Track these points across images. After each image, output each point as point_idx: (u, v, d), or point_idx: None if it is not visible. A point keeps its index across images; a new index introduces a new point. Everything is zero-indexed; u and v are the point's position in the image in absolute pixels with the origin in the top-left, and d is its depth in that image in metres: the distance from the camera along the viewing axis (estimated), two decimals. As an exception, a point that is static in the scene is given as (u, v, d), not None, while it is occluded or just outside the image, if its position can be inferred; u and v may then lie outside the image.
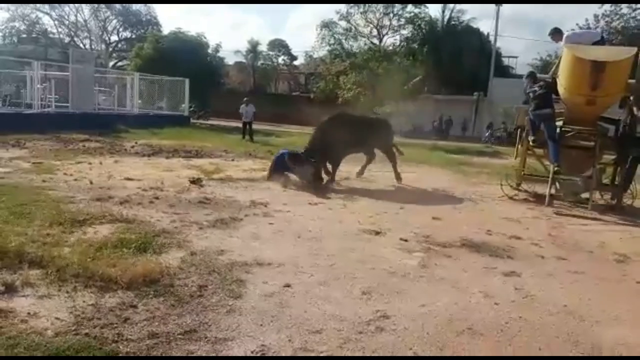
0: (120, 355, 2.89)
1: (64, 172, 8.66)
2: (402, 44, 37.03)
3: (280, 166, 9.13)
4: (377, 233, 6.03)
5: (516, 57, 41.65)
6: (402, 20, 36.55)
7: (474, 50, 33.76)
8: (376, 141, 10.31)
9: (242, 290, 3.97)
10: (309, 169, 8.80)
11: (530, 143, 9.26)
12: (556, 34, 9.30)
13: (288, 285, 4.13)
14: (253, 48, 48.30)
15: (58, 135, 14.16)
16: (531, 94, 9.03)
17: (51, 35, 45.30)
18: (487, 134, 29.46)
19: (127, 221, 5.63)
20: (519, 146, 9.82)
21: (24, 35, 44.13)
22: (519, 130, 9.74)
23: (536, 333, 3.57)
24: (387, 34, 37.59)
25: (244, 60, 48.91)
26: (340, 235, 5.91)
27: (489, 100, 32.47)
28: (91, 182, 7.85)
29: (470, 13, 48.17)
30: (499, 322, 3.70)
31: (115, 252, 4.47)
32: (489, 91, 32.93)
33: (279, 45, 50.54)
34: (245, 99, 20.68)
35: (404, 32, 37.25)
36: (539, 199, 9.08)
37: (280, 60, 51.41)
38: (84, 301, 3.54)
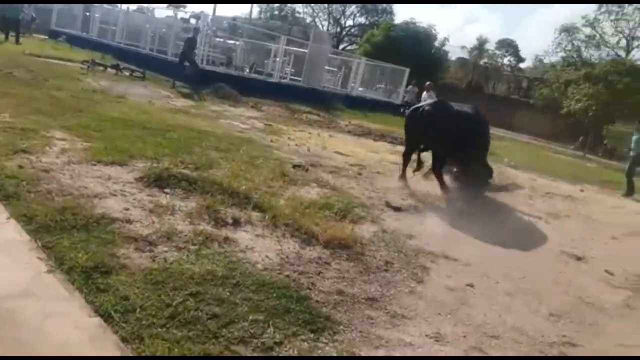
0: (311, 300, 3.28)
1: (288, 137, 9.75)
2: (655, 59, 32.12)
3: None
4: (579, 259, 5.55)
5: None
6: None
7: None
8: None
9: (425, 276, 4.11)
10: None
11: None
12: None
13: (471, 285, 4.13)
14: (480, 45, 46.74)
15: (287, 104, 15.81)
16: None
17: (297, 14, 50.14)
18: None
19: (333, 189, 6.19)
20: None
21: (276, 12, 49.68)
22: None
23: None
24: (638, 46, 32.95)
25: (467, 57, 47.68)
26: (538, 250, 5.59)
27: None
28: (308, 150, 8.72)
29: None
30: None
31: (319, 213, 4.99)
32: None
33: (508, 45, 47.96)
34: (413, 81, 18.87)
35: (663, 45, 32.23)
36: None
37: (505, 60, 48.87)
38: (289, 247, 4.08)
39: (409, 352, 2.96)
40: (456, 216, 6.36)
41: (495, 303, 3.88)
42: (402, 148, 11.86)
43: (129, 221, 3.91)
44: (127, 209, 4.15)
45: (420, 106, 7.45)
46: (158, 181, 4.89)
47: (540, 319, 3.76)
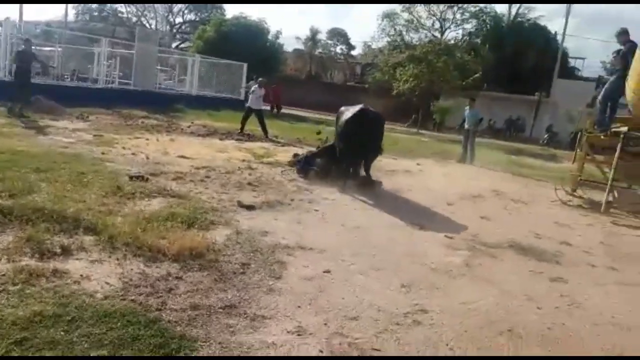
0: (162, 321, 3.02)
1: (122, 146, 9.03)
2: (464, 38, 36.29)
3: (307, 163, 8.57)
4: (422, 228, 5.97)
5: (584, 58, 39.68)
6: (467, 14, 35.72)
7: (539, 49, 32.52)
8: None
9: (282, 271, 4.06)
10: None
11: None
12: (623, 34, 8.78)
13: (328, 271, 4.17)
14: (312, 36, 48.36)
15: (119, 111, 14.74)
16: None
17: (120, 15, 47.04)
18: (545, 135, 28.33)
19: (179, 196, 5.84)
20: (578, 150, 9.49)
21: (96, 14, 46.04)
22: (579, 133, 9.40)
23: (580, 342, 3.45)
24: (449, 27, 36.88)
25: (302, 48, 49.06)
26: (384, 227, 5.89)
27: (551, 101, 31.17)
28: (147, 157, 8.16)
29: (540, 10, 46.07)
30: (541, 327, 3.60)
31: (165, 225, 4.64)
32: (552, 92, 31.59)
33: (338, 35, 50.34)
34: (254, 76, 18.31)
35: (468, 26, 36.54)
36: (594, 206, 8.71)
37: (338, 49, 51.28)
38: (132, 269, 3.72)
39: (272, 353, 2.88)
40: (307, 205, 6.45)
41: (351, 285, 3.96)
42: (250, 144, 11.88)
43: None
44: None
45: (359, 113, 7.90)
46: None
47: (393, 292, 3.92)
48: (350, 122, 7.89)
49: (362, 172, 8.24)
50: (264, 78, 15.71)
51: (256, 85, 14.75)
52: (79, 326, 2.82)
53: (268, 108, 24.18)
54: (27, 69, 12.28)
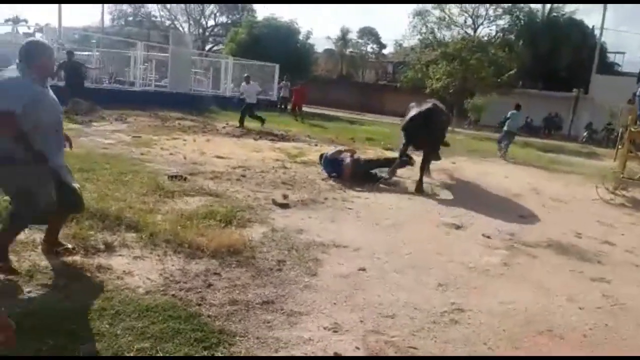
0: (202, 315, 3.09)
1: (160, 147, 9.25)
2: (497, 34, 35.62)
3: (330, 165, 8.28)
4: (458, 227, 5.91)
5: (623, 53, 38.30)
6: (500, 10, 35.08)
7: (576, 44, 31.62)
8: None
9: (318, 268, 4.08)
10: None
11: None
12: None
13: (363, 269, 4.18)
14: (343, 35, 48.31)
15: (156, 113, 15.07)
16: None
17: (154, 19, 48.12)
18: (585, 133, 27.51)
19: (216, 195, 5.95)
20: (619, 148, 9.20)
21: (130, 18, 47.23)
22: (621, 130, 9.13)
23: (623, 343, 3.36)
24: (482, 24, 36.34)
25: (333, 47, 49.06)
26: (419, 225, 5.85)
27: (590, 98, 30.25)
28: (185, 157, 8.34)
29: (575, 4, 44.89)
30: (582, 327, 3.52)
31: (204, 223, 4.74)
32: (590, 88, 30.64)
33: (369, 33, 50.16)
34: (285, 76, 18.62)
35: (501, 22, 35.88)
36: (637, 204, 8.43)
37: (369, 48, 51.08)
38: (172, 265, 3.81)
39: (309, 349, 2.90)
40: (340, 204, 6.46)
41: (387, 282, 3.96)
42: (283, 144, 11.98)
43: (-20, 267, 3.40)
44: (-24, 253, 3.60)
45: (423, 112, 8.19)
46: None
47: (429, 291, 3.90)
48: (415, 118, 8.21)
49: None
50: (248, 74, 16.75)
51: (243, 83, 15.60)
52: (122, 319, 2.92)
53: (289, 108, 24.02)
54: (78, 79, 13.07)
